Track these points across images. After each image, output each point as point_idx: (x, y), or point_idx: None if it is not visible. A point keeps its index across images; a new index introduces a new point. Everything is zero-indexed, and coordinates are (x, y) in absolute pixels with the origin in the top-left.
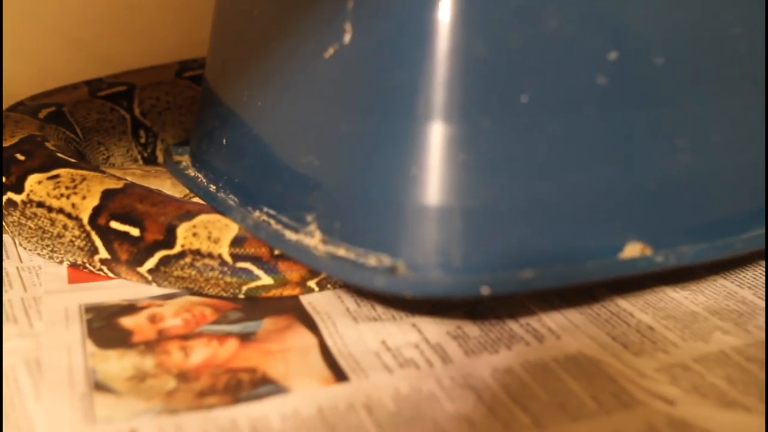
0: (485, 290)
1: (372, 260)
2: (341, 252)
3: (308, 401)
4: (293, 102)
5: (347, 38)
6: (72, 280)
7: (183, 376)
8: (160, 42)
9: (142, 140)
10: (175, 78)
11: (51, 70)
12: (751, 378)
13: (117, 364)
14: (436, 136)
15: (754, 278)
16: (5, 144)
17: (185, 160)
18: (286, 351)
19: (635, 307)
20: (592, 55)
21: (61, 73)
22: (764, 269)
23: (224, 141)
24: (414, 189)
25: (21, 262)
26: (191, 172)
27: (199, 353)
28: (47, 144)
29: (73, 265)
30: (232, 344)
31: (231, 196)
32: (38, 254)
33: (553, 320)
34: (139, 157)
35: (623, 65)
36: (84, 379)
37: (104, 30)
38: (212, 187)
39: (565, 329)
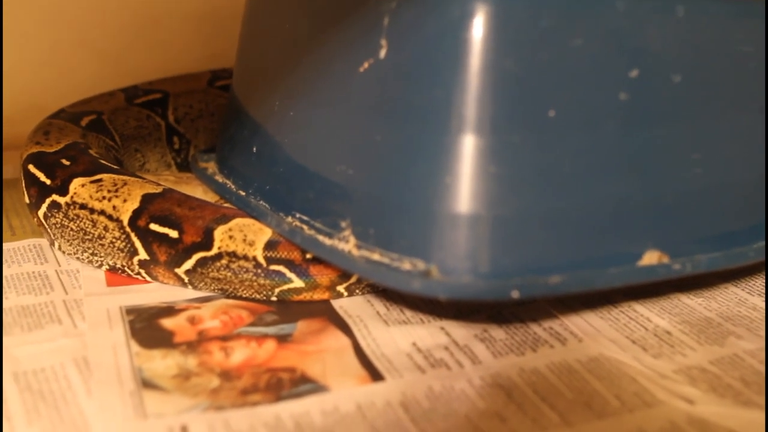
0: (515, 294)
1: (406, 264)
2: (376, 257)
3: (347, 399)
4: (327, 113)
5: (383, 53)
6: (110, 284)
7: (226, 375)
8: (183, 54)
9: (176, 146)
10: (207, 86)
11: (77, 80)
12: (764, 379)
13: (161, 363)
14: (468, 148)
15: (764, 286)
16: (51, 149)
17: (211, 167)
18: (323, 352)
19: (652, 313)
20: (615, 73)
21: (86, 83)
22: None
23: (254, 149)
24: (447, 197)
25: (59, 265)
26: (219, 179)
27: (240, 353)
28: (90, 151)
29: (112, 269)
30: (270, 345)
31: (262, 202)
32: (77, 258)
33: (574, 324)
34: (172, 162)
35: (644, 82)
36: (132, 377)
37: (129, 42)
38: (242, 193)
39: (587, 333)
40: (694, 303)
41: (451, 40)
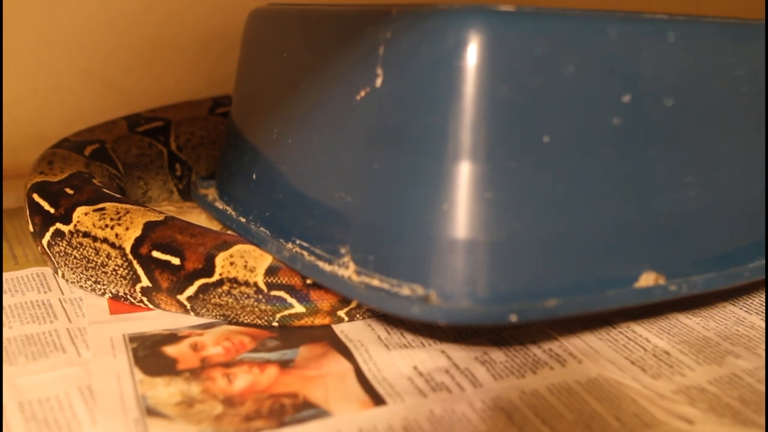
0: (513, 318)
1: (406, 290)
2: (375, 282)
3: (350, 424)
4: (325, 140)
5: (378, 82)
6: (113, 312)
7: (229, 402)
8: (185, 81)
9: (178, 174)
10: (208, 114)
11: (80, 108)
12: (764, 398)
13: (165, 390)
14: (465, 174)
15: (761, 304)
16: (55, 179)
17: (211, 194)
18: (325, 377)
19: (651, 333)
20: (608, 98)
21: (89, 111)
22: None
23: (254, 176)
24: (444, 224)
25: (63, 294)
26: (220, 205)
27: (242, 380)
28: (94, 180)
29: (114, 297)
30: (272, 371)
31: (262, 228)
32: (81, 286)
33: (573, 346)
34: (174, 189)
35: (636, 107)
36: (136, 405)
37: (131, 70)
38: (242, 220)
39: (586, 354)
40: (692, 323)
41: (446, 69)
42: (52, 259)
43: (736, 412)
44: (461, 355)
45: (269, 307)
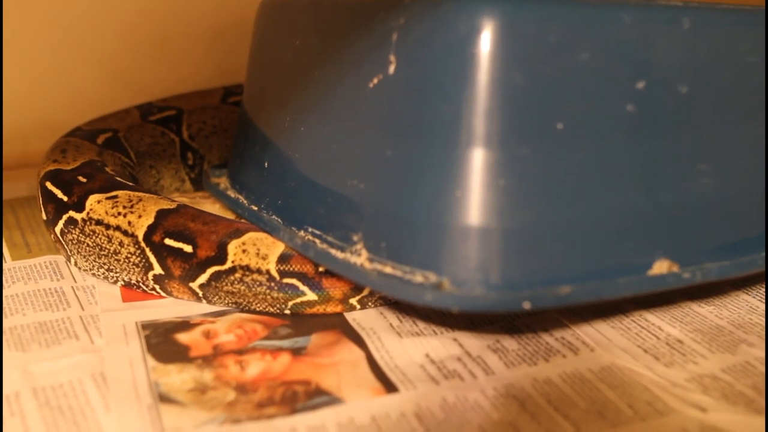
0: (526, 305)
1: (418, 277)
2: (388, 270)
3: (362, 410)
4: (337, 128)
5: (391, 69)
6: (126, 299)
7: (241, 388)
8: (196, 70)
9: (190, 162)
10: (220, 103)
11: (92, 98)
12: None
13: (178, 377)
14: (478, 161)
15: None
16: (68, 167)
17: (223, 182)
18: (337, 364)
19: (663, 321)
20: (622, 85)
21: (102, 101)
22: None
23: (266, 164)
24: (457, 211)
25: (75, 282)
26: (232, 194)
27: (255, 367)
28: (107, 168)
29: (127, 285)
30: (285, 358)
31: (274, 216)
32: (93, 274)
33: (586, 334)
34: (186, 178)
35: (650, 94)
36: (149, 392)
37: (141, 61)
38: (254, 208)
39: (598, 342)
40: (705, 311)
41: (459, 55)
42: (65, 247)
43: (750, 400)
44: (473, 342)
45: (281, 294)
